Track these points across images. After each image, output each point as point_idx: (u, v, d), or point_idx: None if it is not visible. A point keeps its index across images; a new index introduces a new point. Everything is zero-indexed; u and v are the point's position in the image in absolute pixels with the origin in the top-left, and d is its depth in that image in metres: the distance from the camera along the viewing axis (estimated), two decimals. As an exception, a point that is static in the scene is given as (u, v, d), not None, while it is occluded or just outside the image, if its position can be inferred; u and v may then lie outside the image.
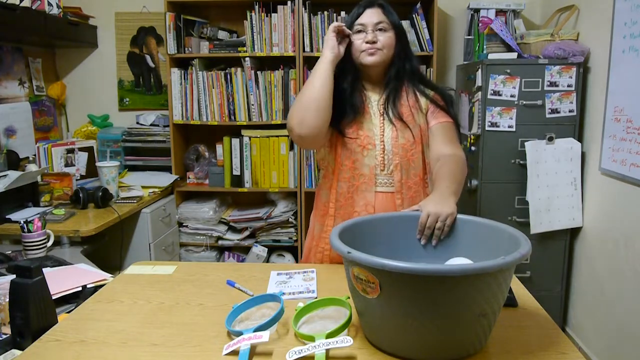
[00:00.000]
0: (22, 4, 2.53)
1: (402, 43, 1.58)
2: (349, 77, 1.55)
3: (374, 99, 1.58)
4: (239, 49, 2.99)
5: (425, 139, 1.57)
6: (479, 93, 2.61)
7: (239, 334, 1.06)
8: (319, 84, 1.46)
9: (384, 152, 1.53)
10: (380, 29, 1.53)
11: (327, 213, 1.60)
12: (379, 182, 1.54)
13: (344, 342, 1.00)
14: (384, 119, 1.55)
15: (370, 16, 1.54)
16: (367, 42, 1.51)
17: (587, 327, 2.59)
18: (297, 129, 1.46)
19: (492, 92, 2.58)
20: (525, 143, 2.56)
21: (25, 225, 1.86)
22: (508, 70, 2.56)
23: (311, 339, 1.03)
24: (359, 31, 1.54)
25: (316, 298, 1.28)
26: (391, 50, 1.55)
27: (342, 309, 1.15)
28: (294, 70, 2.95)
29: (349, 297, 1.11)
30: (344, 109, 1.54)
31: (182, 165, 3.22)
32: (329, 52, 1.48)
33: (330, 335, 1.02)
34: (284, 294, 1.31)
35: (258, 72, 2.97)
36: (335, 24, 1.49)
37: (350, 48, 1.55)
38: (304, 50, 2.92)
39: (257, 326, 1.07)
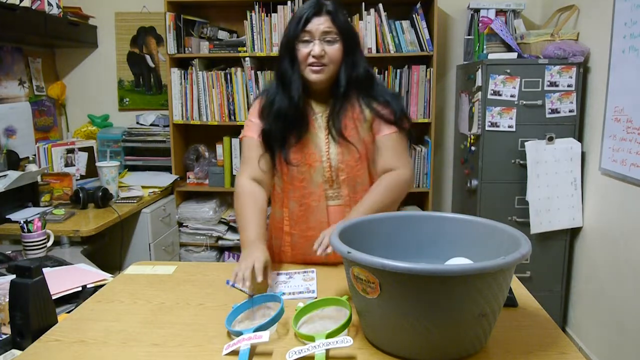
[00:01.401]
0: (22, 4, 2.53)
1: (350, 52, 1.45)
2: (294, 90, 1.44)
3: (319, 112, 1.50)
4: (239, 49, 2.99)
5: (370, 154, 1.51)
6: (479, 93, 2.61)
7: (239, 334, 1.06)
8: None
9: (330, 168, 1.49)
10: (328, 40, 1.41)
11: (283, 230, 1.57)
12: (329, 196, 1.51)
13: (344, 342, 0.99)
14: (329, 135, 1.48)
15: (318, 25, 1.40)
16: (313, 56, 1.40)
17: (587, 327, 2.59)
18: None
19: (492, 92, 2.58)
20: (525, 143, 2.56)
21: (25, 225, 1.86)
22: (508, 70, 2.56)
23: (311, 339, 1.03)
24: (305, 40, 1.41)
25: (316, 298, 1.28)
26: (338, 64, 1.43)
27: (342, 309, 1.15)
28: (294, 70, 2.95)
29: (349, 297, 1.11)
30: (288, 132, 1.47)
31: (182, 165, 3.22)
32: (245, 257, 1.32)
33: (330, 335, 1.02)
34: (284, 294, 1.31)
35: (258, 72, 2.98)
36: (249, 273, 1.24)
37: (295, 58, 1.43)
38: (304, 50, 2.92)
39: (257, 326, 1.07)
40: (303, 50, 1.41)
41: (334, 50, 1.41)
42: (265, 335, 1.03)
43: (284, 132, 1.47)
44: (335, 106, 1.47)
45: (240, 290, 1.34)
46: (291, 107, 1.45)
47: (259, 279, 1.23)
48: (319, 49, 1.39)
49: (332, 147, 1.48)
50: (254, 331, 1.05)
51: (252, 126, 1.53)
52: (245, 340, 1.03)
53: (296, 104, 1.44)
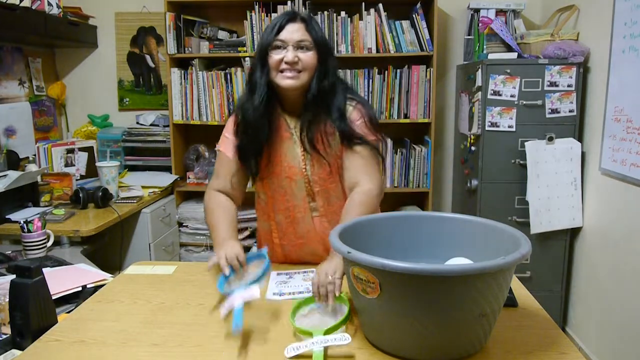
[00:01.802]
0: (22, 4, 2.53)
1: (323, 62, 1.42)
2: (264, 99, 1.41)
3: (294, 127, 1.48)
4: (239, 49, 2.99)
5: (337, 167, 1.48)
6: (479, 93, 2.61)
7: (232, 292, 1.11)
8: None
9: (309, 181, 1.48)
10: (301, 47, 1.39)
11: (272, 241, 1.57)
12: (313, 208, 1.51)
13: (342, 339, 0.99)
14: (304, 148, 1.45)
15: (292, 32, 1.39)
16: (286, 62, 1.37)
17: (587, 327, 2.59)
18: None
19: (492, 92, 2.58)
20: (525, 143, 2.56)
21: (25, 225, 1.86)
22: (508, 70, 2.56)
23: (309, 334, 1.03)
24: (277, 47, 1.39)
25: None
26: (312, 72, 1.40)
27: (341, 305, 1.15)
28: (294, 70, 2.95)
29: (347, 294, 1.12)
30: (260, 145, 1.44)
31: (182, 165, 3.22)
32: (218, 253, 1.29)
33: (328, 331, 1.02)
34: (283, 293, 1.31)
35: (258, 72, 2.97)
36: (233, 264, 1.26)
37: (267, 64, 1.40)
38: (304, 50, 2.92)
39: (249, 282, 1.11)
40: (275, 57, 1.38)
41: (308, 57, 1.39)
42: (255, 291, 1.07)
43: (256, 145, 1.45)
44: (306, 119, 1.44)
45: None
46: (256, 113, 1.41)
47: (245, 267, 1.27)
48: (292, 55, 1.37)
49: (308, 160, 1.47)
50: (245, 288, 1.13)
51: (226, 142, 1.52)
52: (237, 298, 1.08)
53: (258, 108, 1.41)
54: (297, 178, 1.47)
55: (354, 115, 1.45)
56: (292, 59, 1.37)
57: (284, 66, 1.38)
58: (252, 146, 1.45)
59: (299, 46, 1.39)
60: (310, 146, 1.43)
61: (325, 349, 1.00)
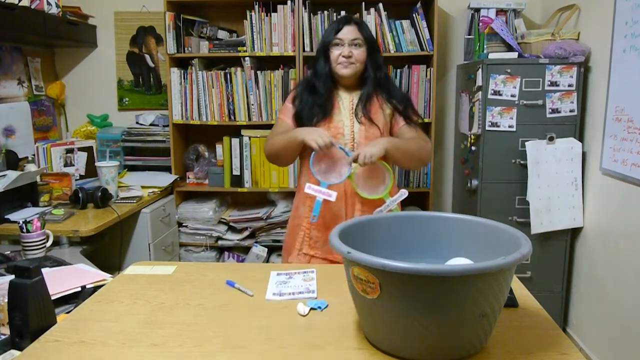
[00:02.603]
0: (20, 4, 2.53)
1: (373, 55, 1.84)
2: (325, 81, 1.83)
3: (346, 98, 1.86)
4: (239, 48, 2.99)
5: (386, 134, 1.85)
6: (479, 93, 2.61)
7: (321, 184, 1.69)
8: (284, 150, 1.81)
9: (353, 140, 1.81)
10: (355, 44, 1.80)
11: (307, 205, 1.85)
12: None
13: (403, 194, 1.69)
14: (353, 116, 1.82)
15: (347, 33, 1.80)
16: (343, 56, 1.79)
17: (587, 327, 2.59)
18: (271, 161, 1.91)
19: (492, 91, 2.57)
20: (526, 143, 2.56)
21: (24, 225, 1.86)
22: (508, 70, 2.55)
23: (381, 199, 1.67)
24: (337, 44, 1.80)
25: (316, 298, 1.28)
26: (363, 63, 1.82)
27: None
28: (294, 70, 2.95)
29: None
30: (315, 112, 1.81)
31: (181, 165, 3.21)
32: (308, 139, 1.68)
33: (387, 195, 1.70)
34: (284, 294, 1.31)
35: (258, 71, 2.97)
36: (325, 142, 1.67)
37: (328, 58, 1.82)
38: (304, 50, 2.92)
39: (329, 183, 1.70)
40: (335, 52, 1.81)
41: (360, 52, 1.80)
42: (333, 195, 1.67)
43: (312, 110, 1.82)
44: (363, 95, 1.84)
45: (241, 290, 1.34)
46: (321, 95, 1.82)
47: (335, 145, 1.71)
48: (347, 50, 1.79)
49: (356, 125, 1.82)
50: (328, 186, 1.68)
51: (286, 110, 1.89)
52: (322, 193, 1.65)
53: (323, 92, 1.82)
54: (339, 136, 1.80)
55: (400, 101, 1.88)
56: (347, 54, 1.79)
57: (341, 59, 1.80)
58: (309, 112, 1.82)
59: (352, 43, 1.79)
60: (365, 115, 1.81)
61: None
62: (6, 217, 2.25)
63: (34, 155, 2.91)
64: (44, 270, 1.22)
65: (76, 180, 2.80)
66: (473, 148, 2.74)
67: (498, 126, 2.60)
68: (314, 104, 1.82)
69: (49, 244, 1.97)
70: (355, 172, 1.72)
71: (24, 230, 1.86)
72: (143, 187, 2.90)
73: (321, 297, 1.29)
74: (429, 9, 2.93)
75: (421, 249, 1.23)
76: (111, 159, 2.88)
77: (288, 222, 2.01)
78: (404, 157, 1.81)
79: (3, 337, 1.19)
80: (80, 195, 2.48)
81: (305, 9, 2.88)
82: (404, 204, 3.29)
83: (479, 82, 2.60)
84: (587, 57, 2.55)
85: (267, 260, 3.11)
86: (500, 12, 2.88)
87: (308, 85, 1.87)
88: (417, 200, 3.21)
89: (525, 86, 2.56)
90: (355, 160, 1.69)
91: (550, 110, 2.57)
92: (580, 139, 2.58)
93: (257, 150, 3.02)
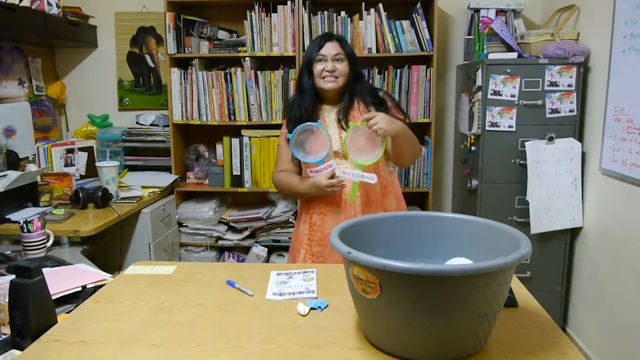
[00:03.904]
0: (21, 4, 2.53)
1: (354, 68, 1.93)
2: (309, 96, 1.92)
3: (331, 111, 1.96)
4: (239, 48, 2.99)
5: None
6: (479, 93, 2.61)
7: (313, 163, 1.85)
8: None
9: (343, 148, 1.88)
10: (337, 59, 1.89)
11: (309, 208, 1.96)
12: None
13: (371, 178, 1.80)
14: (340, 126, 1.91)
15: (330, 49, 1.89)
16: (327, 71, 1.88)
17: (587, 327, 2.59)
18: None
19: (492, 92, 2.58)
20: (526, 143, 2.56)
21: (24, 225, 1.86)
22: (508, 70, 2.55)
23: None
24: (320, 60, 1.89)
25: (316, 298, 1.28)
26: (346, 77, 1.91)
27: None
28: (294, 70, 2.95)
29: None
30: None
31: (182, 165, 3.21)
32: (323, 189, 1.82)
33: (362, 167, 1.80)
34: (284, 293, 1.31)
35: (258, 72, 2.97)
36: (330, 183, 1.81)
37: (312, 73, 1.91)
38: (303, 50, 2.92)
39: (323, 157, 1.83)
40: (319, 67, 1.90)
41: (343, 66, 1.90)
42: (333, 163, 1.82)
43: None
44: (344, 104, 1.93)
45: (241, 290, 1.34)
46: (306, 110, 1.92)
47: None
48: (331, 65, 1.88)
49: (344, 133, 1.90)
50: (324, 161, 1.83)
51: (282, 136, 2.02)
52: (324, 169, 1.82)
53: (308, 106, 1.92)
54: (327, 147, 1.88)
55: (384, 101, 1.95)
56: (331, 68, 1.88)
57: (325, 74, 1.89)
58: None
59: (335, 58, 1.89)
60: (345, 122, 1.89)
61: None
62: (7, 217, 2.25)
63: (34, 155, 2.91)
64: (45, 270, 1.22)
65: (76, 180, 2.80)
66: (473, 148, 2.74)
67: (498, 126, 2.60)
68: (300, 122, 1.90)
69: (49, 244, 1.97)
70: (347, 137, 1.83)
71: (25, 230, 1.86)
72: (143, 187, 2.90)
73: (321, 297, 1.29)
74: (429, 9, 2.93)
75: (421, 249, 1.23)
76: (111, 159, 2.88)
77: (290, 241, 2.12)
78: (405, 147, 1.88)
79: (4, 336, 1.19)
80: (80, 195, 2.48)
81: (305, 9, 2.88)
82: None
83: (479, 82, 2.60)
84: (587, 58, 2.55)
85: (267, 260, 3.11)
86: (500, 12, 2.88)
87: (293, 105, 1.97)
88: (417, 200, 3.21)
89: (525, 86, 2.56)
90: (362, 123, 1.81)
91: (550, 111, 2.57)
92: (580, 139, 2.58)
93: (257, 150, 3.02)
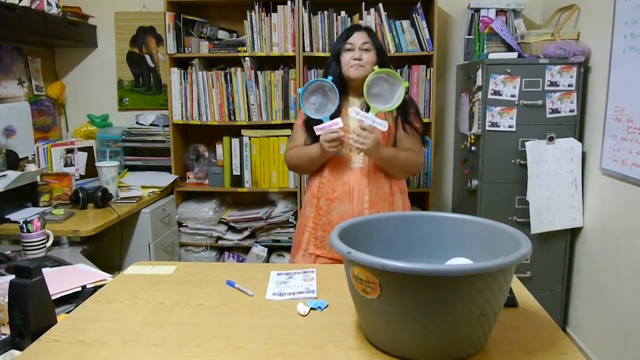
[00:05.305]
0: (21, 4, 2.53)
1: (382, 60, 1.94)
2: (336, 85, 1.87)
3: (353, 101, 1.96)
4: (239, 48, 2.99)
5: (391, 136, 1.95)
6: (479, 93, 2.61)
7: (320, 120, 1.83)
8: (310, 165, 1.96)
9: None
10: (365, 49, 1.91)
11: (316, 197, 1.96)
12: (354, 161, 1.93)
13: (383, 125, 1.79)
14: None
15: (358, 38, 1.92)
16: (354, 59, 1.89)
17: (587, 327, 2.59)
18: (293, 171, 2.10)
19: (492, 92, 2.58)
20: (526, 143, 2.56)
21: (24, 225, 1.86)
22: (508, 70, 2.55)
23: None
24: (348, 49, 1.92)
25: (316, 298, 1.28)
26: (372, 66, 1.87)
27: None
28: (294, 70, 2.95)
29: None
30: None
31: (181, 165, 3.21)
32: (329, 152, 1.84)
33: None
34: (284, 293, 1.31)
35: (258, 72, 2.97)
36: (329, 137, 1.81)
37: (340, 63, 1.93)
38: (304, 50, 2.92)
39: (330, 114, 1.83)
40: (346, 56, 1.92)
41: (370, 55, 1.92)
42: (339, 122, 1.80)
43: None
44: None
45: (241, 290, 1.34)
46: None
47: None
48: (358, 53, 1.90)
49: (362, 122, 1.87)
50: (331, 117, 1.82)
51: (300, 115, 2.05)
52: (331, 126, 1.80)
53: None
54: (345, 140, 1.86)
55: (406, 105, 1.94)
56: (358, 56, 1.90)
57: (352, 62, 1.90)
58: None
59: (362, 48, 1.91)
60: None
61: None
62: (6, 217, 2.25)
63: (34, 155, 2.91)
64: (44, 270, 1.22)
65: (76, 180, 2.80)
66: (473, 148, 2.74)
67: (498, 126, 2.60)
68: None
69: (49, 244, 1.97)
70: (367, 82, 1.81)
71: (24, 230, 1.86)
72: (143, 187, 2.90)
73: (321, 297, 1.29)
74: (429, 9, 2.93)
75: (421, 249, 1.23)
76: (111, 159, 2.88)
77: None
78: (393, 169, 1.93)
79: (3, 337, 1.19)
80: (80, 195, 2.48)
81: (305, 9, 2.88)
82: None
83: (479, 82, 2.60)
84: (587, 57, 2.55)
85: (267, 260, 3.11)
86: (500, 12, 2.88)
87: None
88: (417, 200, 3.21)
89: (525, 86, 2.56)
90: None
91: (550, 110, 2.57)
92: (580, 139, 2.58)
93: (257, 150, 3.02)
